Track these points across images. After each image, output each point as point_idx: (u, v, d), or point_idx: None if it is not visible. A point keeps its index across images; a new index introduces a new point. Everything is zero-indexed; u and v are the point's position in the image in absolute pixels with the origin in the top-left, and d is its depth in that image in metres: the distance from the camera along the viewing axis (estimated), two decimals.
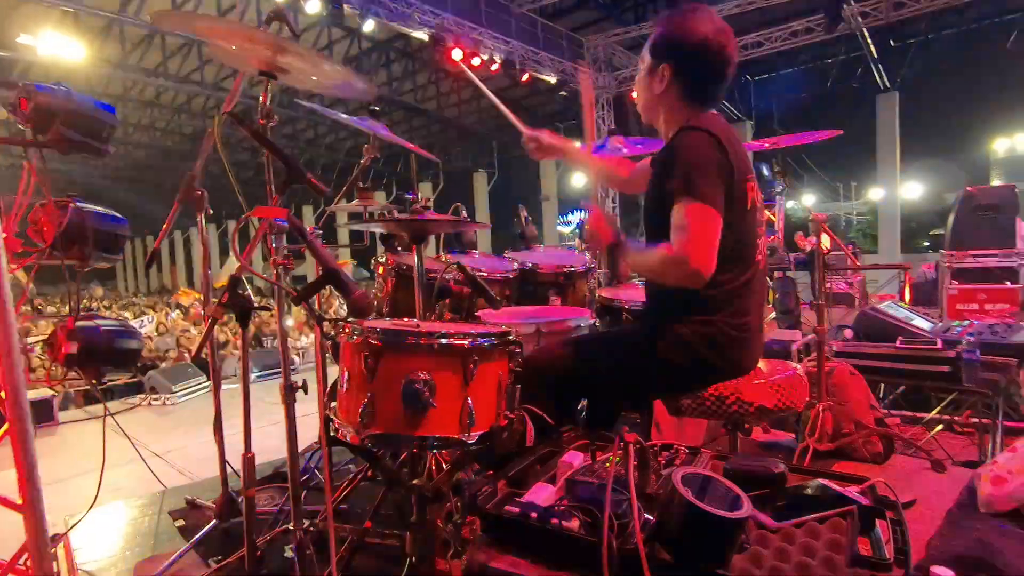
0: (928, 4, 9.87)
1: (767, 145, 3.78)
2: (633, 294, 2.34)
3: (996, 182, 12.50)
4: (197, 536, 2.12)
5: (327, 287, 1.28)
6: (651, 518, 0.92)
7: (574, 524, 0.93)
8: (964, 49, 12.62)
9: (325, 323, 1.39)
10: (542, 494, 1.03)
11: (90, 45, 11.11)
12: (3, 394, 1.63)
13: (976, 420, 3.12)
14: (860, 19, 10.33)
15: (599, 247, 1.61)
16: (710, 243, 1.39)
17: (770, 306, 5.60)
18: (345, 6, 8.22)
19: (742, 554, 0.86)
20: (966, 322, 3.64)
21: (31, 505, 1.61)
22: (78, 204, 2.22)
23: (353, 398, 1.33)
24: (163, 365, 6.44)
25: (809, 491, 1.02)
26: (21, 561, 1.68)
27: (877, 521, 0.94)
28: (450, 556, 1.43)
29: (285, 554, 1.89)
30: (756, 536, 0.90)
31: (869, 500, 0.97)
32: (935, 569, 1.04)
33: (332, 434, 1.36)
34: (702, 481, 0.87)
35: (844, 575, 0.80)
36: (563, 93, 12.48)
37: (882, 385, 3.51)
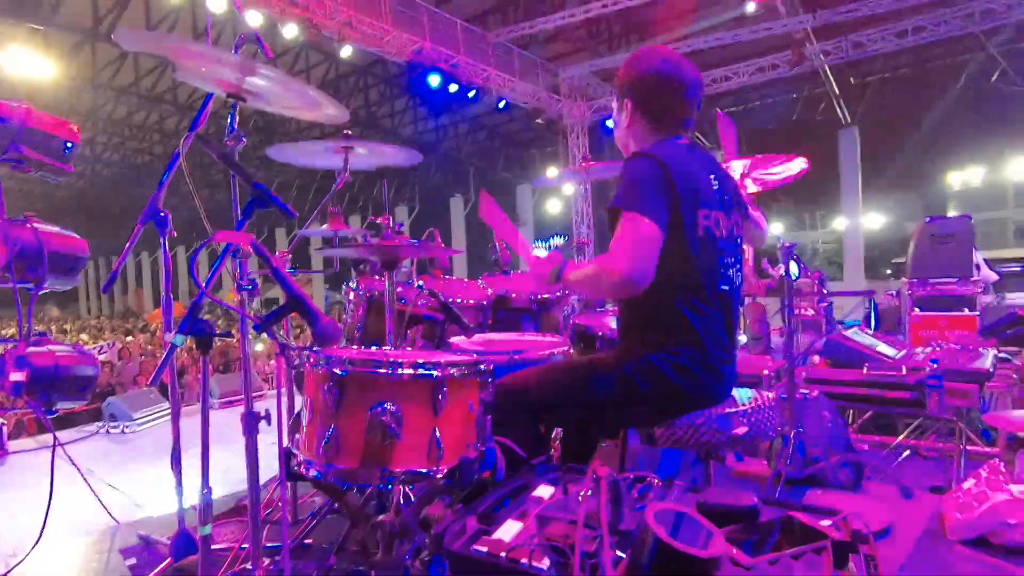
0: (884, 45, 10.41)
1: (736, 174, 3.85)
2: (608, 321, 2.34)
3: (952, 213, 13.07)
4: None
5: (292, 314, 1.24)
6: (623, 556, 0.90)
7: (545, 563, 0.89)
8: (919, 87, 13.29)
9: (290, 352, 1.34)
10: (511, 531, 1.00)
11: (59, 62, 10.91)
12: None
13: (941, 445, 3.19)
14: (822, 56, 10.81)
15: (544, 285, 1.62)
16: (640, 251, 1.42)
17: (741, 332, 5.68)
18: (322, 31, 8.25)
19: None
20: (928, 348, 3.73)
21: None
22: (34, 225, 2.14)
23: (316, 430, 1.28)
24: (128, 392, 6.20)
25: (782, 526, 1.00)
26: None
27: (850, 555, 0.93)
28: None
29: None
30: (730, 573, 0.88)
31: (843, 534, 0.96)
32: None
33: (294, 468, 1.31)
34: (675, 517, 0.85)
35: None
36: (539, 121, 12.69)
37: (850, 411, 3.57)
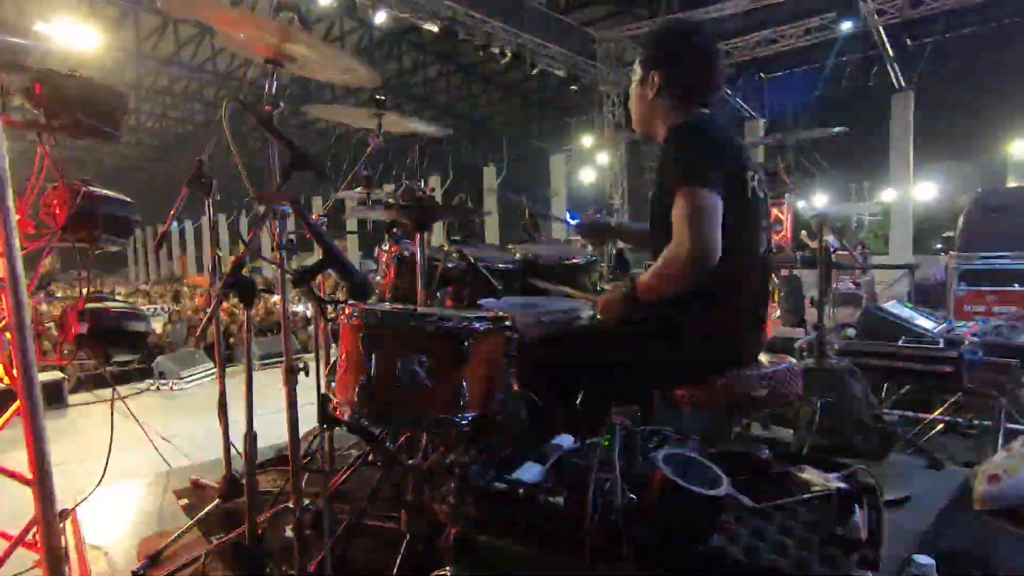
0: (945, 2, 9.75)
1: (775, 141, 3.78)
2: None
3: (1012, 184, 12.32)
4: (200, 514, 2.17)
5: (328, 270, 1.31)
6: (635, 498, 0.95)
7: (559, 500, 0.95)
8: (982, 49, 12.43)
9: (326, 305, 1.42)
10: (531, 472, 1.06)
11: (104, 33, 11.20)
12: (15, 372, 1.69)
13: (979, 422, 3.11)
14: (876, 16, 10.21)
15: (617, 313, 1.62)
16: (710, 227, 1.41)
17: (774, 303, 5.59)
18: None
19: (720, 532, 0.88)
20: (971, 322, 3.62)
21: (41, 480, 1.66)
22: (89, 188, 2.26)
23: (351, 378, 1.36)
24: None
25: (792, 477, 1.04)
26: (31, 535, 1.73)
27: (856, 506, 0.96)
28: (444, 534, 1.47)
29: (285, 533, 1.93)
30: (735, 515, 0.92)
31: (850, 486, 0.99)
32: (916, 557, 1.06)
33: (331, 412, 1.40)
34: (685, 461, 0.89)
35: (818, 553, 0.82)
36: (574, 88, 12.44)
37: (885, 384, 3.51)
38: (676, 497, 0.83)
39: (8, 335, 1.68)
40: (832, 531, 0.86)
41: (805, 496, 0.96)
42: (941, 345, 3.17)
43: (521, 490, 0.98)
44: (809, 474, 1.03)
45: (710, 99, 1.69)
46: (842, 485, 0.98)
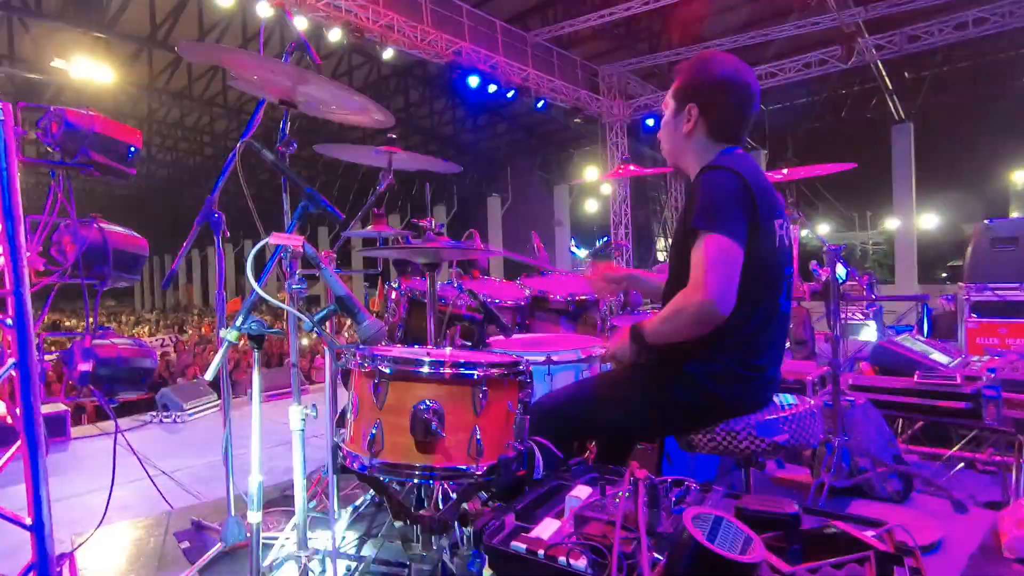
0: (941, 38, 9.93)
1: (780, 176, 3.79)
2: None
3: (1015, 214, 12.33)
4: (201, 560, 2.11)
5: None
6: (660, 558, 0.90)
7: (582, 562, 0.91)
8: (979, 81, 12.61)
9: (338, 352, 1.40)
10: (549, 530, 1.02)
11: (119, 69, 11.50)
12: (18, 411, 1.66)
13: (999, 458, 3.03)
14: (875, 51, 10.40)
15: (627, 358, 1.59)
16: (728, 276, 1.37)
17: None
18: (365, 35, 8.45)
19: None
20: (986, 356, 3.56)
21: (39, 526, 1.62)
22: (100, 225, 2.27)
23: (362, 425, 1.33)
24: (179, 381, 6.50)
25: (824, 535, 0.99)
26: None
27: (895, 568, 0.91)
28: None
29: None
30: None
31: (887, 545, 0.94)
32: None
33: (340, 461, 1.36)
34: (713, 522, 0.85)
35: None
36: (577, 120, 12.62)
37: (900, 420, 3.43)
38: (708, 563, 0.79)
39: (13, 373, 1.66)
40: None
41: (842, 559, 0.91)
42: (958, 381, 3.11)
43: (541, 550, 0.94)
44: (842, 532, 0.98)
45: (743, 137, 1.66)
46: (879, 545, 0.93)
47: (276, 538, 2.10)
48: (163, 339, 10.38)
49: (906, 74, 12.55)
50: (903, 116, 13.30)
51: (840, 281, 2.92)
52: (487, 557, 1.00)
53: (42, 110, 2.04)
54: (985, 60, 12.17)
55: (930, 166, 14.03)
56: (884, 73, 11.69)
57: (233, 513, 2.20)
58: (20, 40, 11.12)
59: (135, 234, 2.43)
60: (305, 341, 9.11)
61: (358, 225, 2.39)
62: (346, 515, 2.12)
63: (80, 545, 2.25)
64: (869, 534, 0.96)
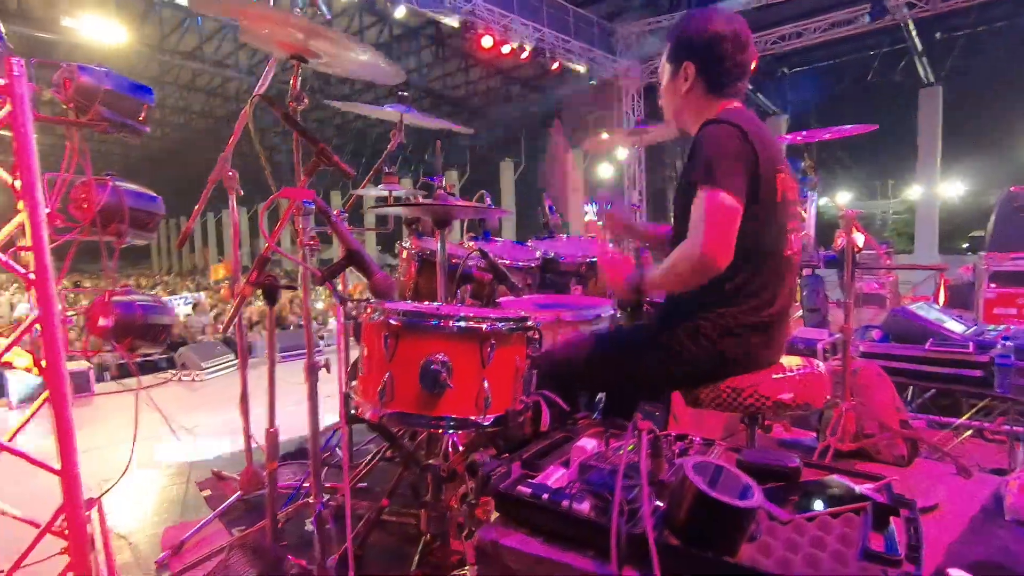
0: None
1: (799, 138, 3.70)
2: None
3: None
4: (222, 506, 2.20)
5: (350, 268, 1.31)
6: (661, 505, 0.93)
7: (585, 507, 0.94)
8: (1014, 43, 12.05)
9: (348, 303, 1.42)
10: (555, 476, 1.05)
11: (130, 28, 11.36)
12: (44, 363, 1.71)
13: (1009, 428, 3.02)
14: (906, 10, 9.95)
15: (620, 291, 1.61)
16: (725, 231, 1.39)
17: (796, 303, 5.49)
18: None
19: (751, 543, 0.86)
20: (1002, 326, 3.52)
21: (68, 470, 1.69)
22: (116, 183, 2.29)
23: (373, 377, 1.36)
24: (200, 338, 6.65)
25: (823, 487, 1.01)
26: (57, 523, 1.76)
27: (891, 519, 0.93)
28: (464, 535, 1.46)
29: (305, 527, 1.95)
30: (766, 527, 0.90)
31: (885, 498, 0.96)
32: (951, 571, 1.03)
33: (352, 412, 1.40)
34: (714, 470, 0.87)
35: (854, 569, 0.80)
36: (593, 82, 12.34)
37: (911, 388, 3.43)
38: (707, 508, 0.81)
39: (38, 327, 1.71)
40: (867, 545, 0.83)
41: (839, 508, 0.93)
42: (971, 349, 3.09)
43: (545, 495, 0.97)
44: (841, 484, 1.00)
45: (741, 88, 1.66)
46: (877, 497, 0.95)
47: (292, 488, 2.18)
48: (185, 296, 10.55)
49: (937, 34, 12.01)
50: (932, 79, 12.79)
51: (857, 249, 2.87)
52: (494, 502, 1.03)
53: (56, 66, 2.04)
54: (1021, 20, 11.60)
55: (957, 132, 13.56)
56: (915, 33, 11.19)
57: (252, 464, 2.29)
58: (29, 0, 11.02)
59: (150, 192, 2.45)
60: (320, 304, 9.21)
61: (369, 185, 2.40)
62: (358, 467, 2.19)
63: (108, 490, 2.35)
64: (867, 486, 0.98)
